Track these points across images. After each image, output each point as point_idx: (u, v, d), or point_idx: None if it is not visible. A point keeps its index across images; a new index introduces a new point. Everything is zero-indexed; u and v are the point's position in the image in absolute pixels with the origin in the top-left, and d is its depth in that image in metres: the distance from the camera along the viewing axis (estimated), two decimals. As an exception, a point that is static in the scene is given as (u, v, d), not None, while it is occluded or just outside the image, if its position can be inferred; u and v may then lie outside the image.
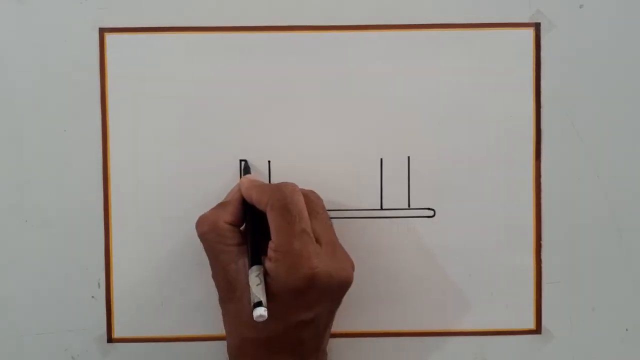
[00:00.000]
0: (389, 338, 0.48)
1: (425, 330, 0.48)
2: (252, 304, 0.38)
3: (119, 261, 0.48)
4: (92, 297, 0.48)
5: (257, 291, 0.39)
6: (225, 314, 0.43)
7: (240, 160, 0.47)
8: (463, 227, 0.48)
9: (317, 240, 0.41)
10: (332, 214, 0.47)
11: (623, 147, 0.48)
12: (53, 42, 0.47)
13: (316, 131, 0.47)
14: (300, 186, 0.42)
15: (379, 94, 0.47)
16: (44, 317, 0.48)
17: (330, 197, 0.46)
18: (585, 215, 0.48)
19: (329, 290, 0.41)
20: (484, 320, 0.48)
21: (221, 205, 0.44)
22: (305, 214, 0.41)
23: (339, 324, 0.47)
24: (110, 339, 0.48)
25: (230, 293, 0.42)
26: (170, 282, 0.48)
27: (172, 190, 0.47)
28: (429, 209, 0.48)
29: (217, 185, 0.47)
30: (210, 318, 0.48)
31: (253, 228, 0.43)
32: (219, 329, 0.47)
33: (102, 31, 0.47)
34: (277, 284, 0.40)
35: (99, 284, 0.48)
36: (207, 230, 0.42)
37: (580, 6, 0.47)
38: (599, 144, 0.48)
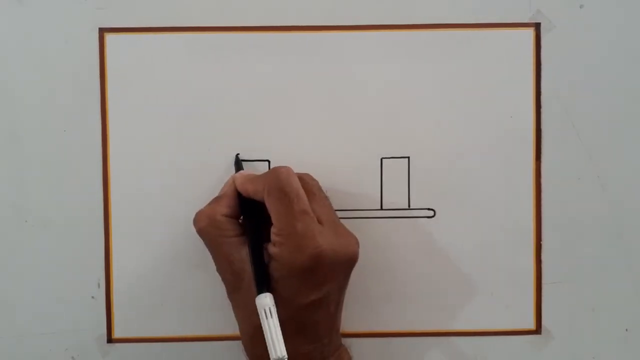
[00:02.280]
0: (389, 338, 0.48)
1: (425, 330, 0.48)
2: (271, 353, 0.39)
3: (119, 261, 0.48)
4: (92, 297, 0.48)
5: (275, 338, 0.39)
6: (235, 306, 0.43)
7: (236, 155, 0.47)
8: (463, 227, 0.48)
9: (318, 220, 0.41)
10: (332, 214, 0.47)
11: (623, 147, 0.48)
12: (53, 42, 0.47)
13: (316, 131, 0.47)
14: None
15: (379, 94, 0.47)
16: (44, 317, 0.48)
17: (330, 197, 0.46)
18: (585, 215, 0.48)
19: (336, 267, 0.41)
20: (484, 321, 0.48)
21: (216, 199, 0.44)
22: (303, 194, 0.41)
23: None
24: (110, 339, 0.48)
25: (237, 283, 0.42)
26: (170, 282, 0.48)
27: (172, 190, 0.47)
28: (429, 209, 0.48)
29: (217, 185, 0.47)
30: (210, 318, 0.48)
31: (254, 244, 0.42)
32: (219, 329, 0.48)
33: (102, 31, 0.47)
34: (283, 267, 0.40)
35: (99, 284, 0.48)
36: (205, 224, 0.42)
37: (581, 6, 0.47)
38: (599, 144, 0.48)
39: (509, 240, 0.48)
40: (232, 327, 0.47)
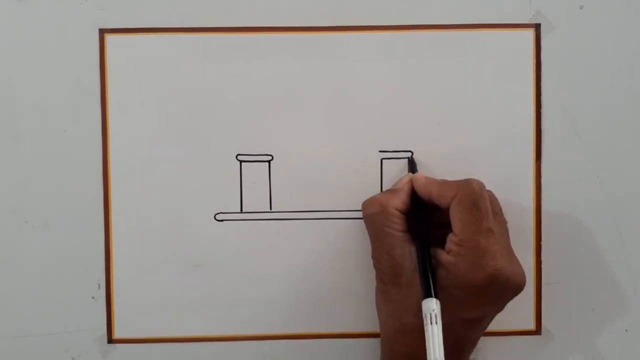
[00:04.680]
0: (389, 338, 0.48)
1: (426, 331, 0.48)
2: (429, 356, 0.38)
3: (119, 261, 0.48)
4: (92, 297, 0.48)
5: (436, 344, 0.38)
6: (385, 296, 0.43)
7: (407, 158, 0.47)
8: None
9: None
10: (332, 214, 0.47)
11: (623, 147, 0.48)
12: (53, 42, 0.47)
13: (316, 131, 0.47)
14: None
15: (379, 95, 0.47)
16: (44, 318, 0.48)
17: (330, 197, 0.46)
18: (585, 215, 0.48)
19: (505, 291, 0.41)
20: (484, 321, 0.48)
21: (391, 191, 0.44)
22: (491, 213, 0.41)
23: (339, 325, 0.47)
24: (110, 340, 0.48)
25: (396, 278, 0.42)
26: (170, 282, 0.48)
27: (172, 190, 0.47)
28: (429, 209, 0.48)
29: (217, 185, 0.47)
30: (210, 318, 0.48)
31: (424, 246, 0.42)
32: (219, 329, 0.47)
33: (102, 31, 0.47)
34: (454, 278, 0.40)
35: (99, 284, 0.48)
36: (376, 212, 0.43)
37: (581, 7, 0.47)
38: (599, 144, 0.48)
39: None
40: (232, 327, 0.47)
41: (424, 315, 0.39)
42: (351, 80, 0.47)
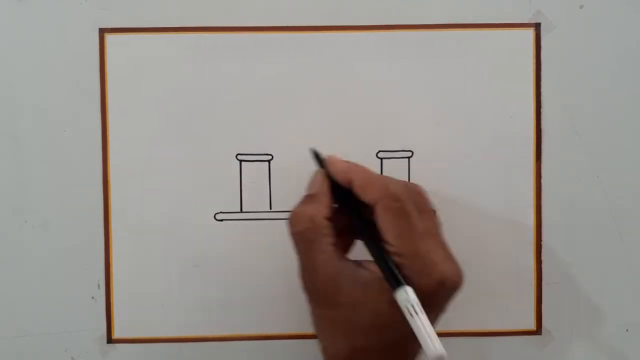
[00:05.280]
0: (389, 338, 0.48)
1: (426, 331, 0.48)
2: (428, 351, 0.35)
3: (119, 261, 0.48)
4: (92, 297, 0.48)
5: (428, 334, 0.35)
6: (324, 320, 0.39)
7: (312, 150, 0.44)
8: (463, 227, 0.48)
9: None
10: (332, 214, 0.47)
11: (623, 147, 0.48)
12: (53, 42, 0.47)
13: (316, 131, 0.47)
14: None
15: (379, 94, 0.47)
16: (44, 318, 0.48)
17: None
18: (585, 215, 0.48)
19: (452, 293, 0.38)
20: (484, 321, 0.48)
21: (312, 199, 0.40)
22: (417, 213, 0.38)
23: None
24: (110, 340, 0.48)
25: (334, 298, 0.38)
26: (170, 282, 0.48)
27: (172, 190, 0.47)
28: (429, 209, 0.48)
29: (217, 185, 0.47)
30: (210, 318, 0.48)
31: (377, 240, 0.38)
32: (219, 330, 0.47)
33: (102, 31, 0.47)
34: None
35: (98, 284, 0.48)
36: (305, 228, 0.39)
37: (581, 6, 0.47)
38: (599, 144, 0.48)
39: (509, 240, 0.48)
40: (232, 327, 0.47)
41: (402, 309, 0.36)
42: (351, 80, 0.47)
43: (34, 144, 0.47)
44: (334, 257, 0.38)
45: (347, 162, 0.42)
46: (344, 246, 0.42)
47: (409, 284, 0.36)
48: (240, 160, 0.47)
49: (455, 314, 0.48)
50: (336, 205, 0.41)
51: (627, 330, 0.49)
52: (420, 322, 0.35)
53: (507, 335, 0.48)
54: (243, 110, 0.47)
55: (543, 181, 0.48)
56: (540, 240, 0.48)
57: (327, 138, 0.47)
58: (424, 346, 0.35)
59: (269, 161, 0.47)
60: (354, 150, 0.47)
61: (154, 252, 0.48)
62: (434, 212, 0.42)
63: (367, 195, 0.39)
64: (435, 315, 0.39)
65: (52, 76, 0.47)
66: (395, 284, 0.36)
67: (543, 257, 0.48)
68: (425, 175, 0.48)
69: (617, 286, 0.48)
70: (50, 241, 0.48)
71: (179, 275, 0.48)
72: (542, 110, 0.48)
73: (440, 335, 0.48)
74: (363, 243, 0.40)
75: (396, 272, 0.37)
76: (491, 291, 0.48)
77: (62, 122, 0.47)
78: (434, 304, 0.38)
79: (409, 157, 0.48)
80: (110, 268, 0.48)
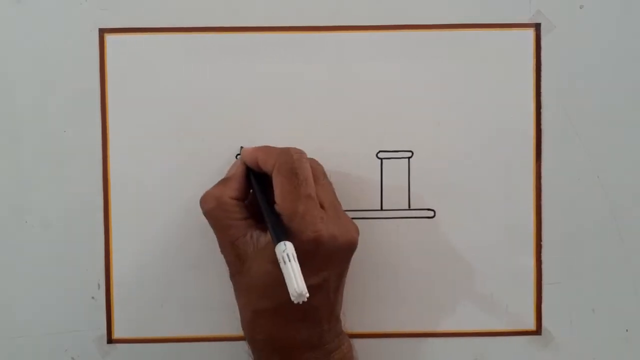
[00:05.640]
0: (389, 339, 0.48)
1: (426, 331, 0.48)
2: (291, 289, 0.37)
3: (119, 261, 0.48)
4: (92, 297, 0.48)
5: (294, 276, 0.37)
6: (236, 288, 0.43)
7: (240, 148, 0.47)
8: (463, 227, 0.48)
9: (321, 205, 0.41)
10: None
11: (623, 147, 0.48)
12: (53, 42, 0.47)
13: (316, 131, 0.47)
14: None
15: (379, 94, 0.47)
16: (44, 318, 0.48)
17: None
18: (585, 215, 0.48)
19: (335, 253, 0.41)
20: (484, 321, 0.48)
21: (224, 181, 0.44)
22: (311, 179, 0.41)
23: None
24: (110, 340, 0.48)
25: (240, 266, 0.42)
26: (170, 282, 0.48)
27: (172, 190, 0.47)
28: (429, 209, 0.48)
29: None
30: (210, 318, 0.48)
31: (265, 199, 0.42)
32: (219, 329, 0.47)
33: (102, 31, 0.47)
34: None
35: (98, 285, 0.48)
36: (212, 207, 0.42)
37: (581, 7, 0.47)
38: (599, 144, 0.48)
39: (509, 240, 0.48)
40: (232, 327, 0.47)
41: (278, 259, 0.38)
42: (351, 80, 0.47)
43: (34, 144, 0.47)
44: (241, 229, 0.42)
45: (257, 147, 0.44)
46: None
47: (290, 241, 0.39)
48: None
49: (456, 314, 0.48)
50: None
51: (627, 330, 0.49)
52: (289, 267, 0.38)
53: (507, 335, 0.48)
54: (243, 111, 0.47)
55: (543, 181, 0.48)
56: (540, 240, 0.48)
57: (327, 138, 0.47)
58: (288, 285, 0.37)
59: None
60: (354, 150, 0.47)
61: (154, 252, 0.48)
62: (330, 183, 0.44)
63: (267, 165, 0.42)
64: (326, 275, 0.41)
65: (52, 76, 0.47)
66: (276, 240, 0.39)
67: (543, 257, 0.48)
68: (425, 175, 0.48)
69: (617, 286, 0.48)
70: (50, 241, 0.48)
71: (179, 275, 0.48)
72: (542, 110, 0.48)
73: (440, 335, 0.48)
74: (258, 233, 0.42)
75: (277, 229, 0.40)
76: (491, 291, 0.48)
77: (62, 122, 0.47)
78: (317, 263, 0.40)
79: (409, 157, 0.48)
80: (110, 268, 0.48)
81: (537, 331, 0.48)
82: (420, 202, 0.48)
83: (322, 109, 0.47)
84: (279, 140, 0.47)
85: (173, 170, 0.47)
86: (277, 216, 0.41)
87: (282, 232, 0.40)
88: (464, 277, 0.48)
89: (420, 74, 0.47)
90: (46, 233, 0.47)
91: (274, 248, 0.39)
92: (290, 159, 0.41)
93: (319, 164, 0.44)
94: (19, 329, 0.48)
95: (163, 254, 0.48)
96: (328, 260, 0.41)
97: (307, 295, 0.37)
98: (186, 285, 0.48)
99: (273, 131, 0.47)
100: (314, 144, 0.47)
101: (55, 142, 0.47)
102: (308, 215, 0.40)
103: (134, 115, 0.47)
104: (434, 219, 0.48)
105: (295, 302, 0.37)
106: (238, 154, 0.47)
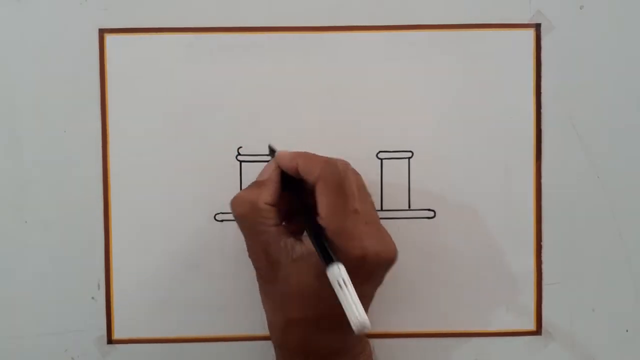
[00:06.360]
0: (389, 339, 0.48)
1: (426, 331, 0.48)
2: (353, 318, 0.36)
3: (119, 262, 0.48)
4: (92, 298, 0.48)
5: (354, 304, 0.37)
6: (266, 294, 0.42)
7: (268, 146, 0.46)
8: (463, 228, 0.48)
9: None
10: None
11: (623, 147, 0.48)
12: (53, 42, 0.47)
13: (315, 132, 0.47)
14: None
15: (379, 95, 0.47)
16: (44, 318, 0.48)
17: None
18: (585, 215, 0.48)
19: (377, 269, 0.41)
20: (484, 321, 0.48)
21: (258, 185, 0.43)
22: (357, 194, 0.40)
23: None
24: (110, 340, 0.48)
25: (273, 273, 0.41)
26: (170, 283, 0.48)
27: (172, 190, 0.47)
28: (429, 210, 0.48)
29: (217, 185, 0.47)
30: (210, 318, 0.48)
31: (309, 211, 0.41)
32: (220, 330, 0.47)
33: (102, 32, 0.47)
34: None
35: (98, 285, 0.48)
36: (246, 211, 0.41)
37: (581, 7, 0.47)
38: (599, 144, 0.48)
39: (509, 240, 0.48)
40: (232, 327, 0.47)
41: (332, 283, 0.37)
42: (351, 80, 0.47)
43: (34, 144, 0.47)
44: (274, 236, 0.41)
45: (295, 152, 0.43)
46: (296, 229, 0.43)
47: (336, 258, 0.38)
48: (240, 161, 0.47)
49: (456, 314, 0.48)
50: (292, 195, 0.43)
51: (627, 331, 0.49)
52: (347, 293, 0.37)
53: (507, 335, 0.48)
54: (243, 111, 0.47)
55: (543, 181, 0.48)
56: (540, 240, 0.48)
57: (327, 138, 0.47)
58: (348, 315, 0.36)
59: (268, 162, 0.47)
60: (354, 150, 0.47)
61: (154, 252, 0.48)
62: (369, 194, 0.43)
63: (310, 175, 0.41)
64: (368, 288, 0.41)
65: (52, 76, 0.47)
66: (327, 259, 0.38)
67: (543, 257, 0.48)
68: (425, 175, 0.48)
69: (617, 286, 0.48)
70: (50, 241, 0.48)
71: (179, 275, 0.48)
72: (542, 110, 0.48)
73: (440, 335, 0.48)
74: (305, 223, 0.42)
75: (327, 247, 0.39)
76: (491, 291, 0.48)
77: (62, 122, 0.47)
78: (359, 279, 0.39)
79: (409, 157, 0.48)
80: (110, 268, 0.48)
81: (537, 331, 0.48)
82: (420, 202, 0.48)
83: (322, 109, 0.47)
84: (279, 140, 0.47)
85: (173, 169, 0.47)
86: (322, 229, 0.40)
87: (331, 251, 0.38)
88: (464, 277, 0.48)
89: (420, 74, 0.47)
90: (46, 233, 0.47)
91: (322, 266, 0.38)
92: (337, 170, 0.40)
93: (357, 173, 0.43)
94: (19, 329, 0.48)
95: (163, 254, 0.48)
96: (370, 275, 0.41)
97: (370, 326, 0.36)
98: (186, 286, 0.48)
99: (273, 131, 0.47)
100: (314, 144, 0.47)
101: (55, 142, 0.47)
102: (356, 231, 0.39)
103: (134, 115, 0.47)
104: (434, 219, 0.48)
105: (357, 332, 0.36)
106: (267, 154, 0.46)
